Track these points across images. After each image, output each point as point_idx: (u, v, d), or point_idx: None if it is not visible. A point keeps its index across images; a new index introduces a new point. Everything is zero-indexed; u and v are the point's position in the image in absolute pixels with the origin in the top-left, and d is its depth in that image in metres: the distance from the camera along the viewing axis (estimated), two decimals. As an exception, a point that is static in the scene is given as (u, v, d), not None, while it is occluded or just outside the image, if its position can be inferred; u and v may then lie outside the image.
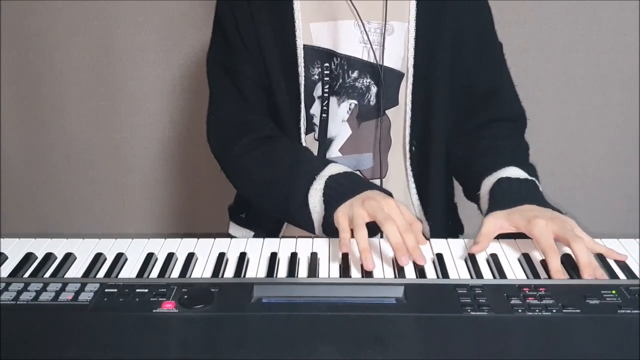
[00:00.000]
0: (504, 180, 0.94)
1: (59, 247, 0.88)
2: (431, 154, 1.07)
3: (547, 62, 1.63)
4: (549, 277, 0.79)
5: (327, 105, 1.06)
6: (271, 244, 0.89)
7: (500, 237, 0.88)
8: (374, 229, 0.84)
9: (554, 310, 0.67)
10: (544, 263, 0.82)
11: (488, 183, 0.96)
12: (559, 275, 0.78)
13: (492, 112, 1.09)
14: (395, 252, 0.81)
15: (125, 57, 1.66)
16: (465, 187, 1.09)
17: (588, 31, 1.60)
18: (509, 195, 0.91)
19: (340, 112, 1.06)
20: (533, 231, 0.83)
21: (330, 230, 0.90)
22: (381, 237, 0.88)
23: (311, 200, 0.93)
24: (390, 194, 0.92)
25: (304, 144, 1.07)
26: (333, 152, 1.08)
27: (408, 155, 1.08)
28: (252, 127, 1.05)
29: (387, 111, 1.07)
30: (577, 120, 1.69)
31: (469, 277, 0.80)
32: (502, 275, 0.80)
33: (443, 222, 1.13)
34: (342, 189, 0.91)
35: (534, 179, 0.96)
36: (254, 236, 1.16)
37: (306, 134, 1.07)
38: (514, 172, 0.96)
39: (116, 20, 1.63)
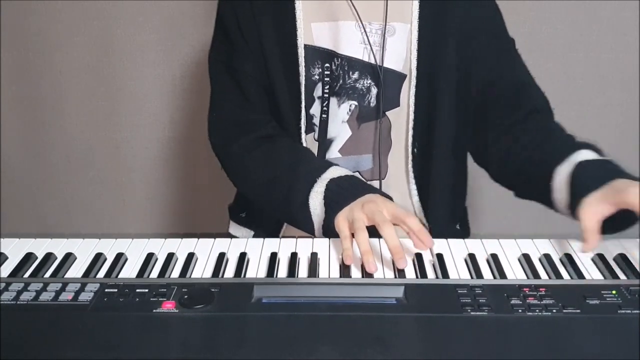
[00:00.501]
0: (584, 163, 0.89)
1: (59, 247, 0.88)
2: (434, 156, 1.06)
3: (547, 62, 1.63)
4: None
5: (327, 105, 1.05)
6: (271, 244, 0.89)
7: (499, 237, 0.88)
8: (374, 232, 0.84)
9: (554, 310, 0.67)
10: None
11: (564, 171, 0.91)
12: None
13: (526, 106, 1.05)
14: (392, 255, 0.81)
15: (125, 57, 1.66)
16: (526, 184, 1.01)
17: (588, 31, 1.61)
18: (594, 177, 0.86)
19: (341, 113, 1.06)
20: (629, 198, 0.78)
21: (330, 232, 0.90)
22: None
23: (312, 203, 0.93)
24: (390, 198, 0.92)
25: (303, 144, 1.07)
26: (333, 152, 1.08)
27: (410, 157, 1.08)
28: (254, 126, 1.05)
29: (387, 112, 1.07)
30: (577, 120, 1.68)
31: (469, 277, 0.80)
32: (502, 275, 0.80)
33: (447, 224, 1.12)
34: (343, 192, 0.91)
35: (609, 158, 0.91)
36: (255, 235, 1.16)
37: (306, 133, 1.07)
38: (587, 154, 0.91)
39: (116, 20, 1.63)
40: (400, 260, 0.80)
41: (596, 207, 0.82)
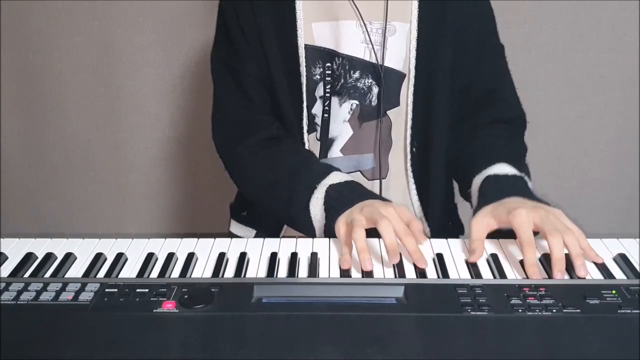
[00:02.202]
0: (492, 177, 0.95)
1: (59, 247, 0.88)
2: (432, 155, 1.07)
3: (547, 62, 1.63)
4: (525, 271, 0.79)
5: (329, 105, 1.06)
6: (271, 244, 0.89)
7: (499, 236, 0.88)
8: (373, 235, 0.85)
9: (554, 310, 0.67)
10: (543, 260, 0.82)
11: (477, 181, 0.97)
12: (534, 270, 0.78)
13: (491, 113, 1.09)
14: (387, 251, 0.81)
15: (125, 57, 1.66)
16: (460, 186, 1.09)
17: (588, 31, 1.61)
18: (495, 191, 0.92)
19: (342, 112, 1.06)
20: (513, 222, 0.83)
21: (331, 236, 0.90)
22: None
23: (312, 209, 0.94)
24: (389, 202, 0.92)
25: (306, 144, 1.07)
26: (334, 152, 1.08)
27: (409, 156, 1.08)
28: (257, 127, 1.05)
29: (388, 112, 1.07)
30: (577, 120, 1.69)
31: (469, 277, 0.80)
32: (502, 275, 0.80)
33: (443, 222, 1.13)
34: (342, 198, 0.91)
35: (523, 175, 0.96)
36: (256, 234, 1.16)
37: (308, 133, 1.07)
38: (502, 168, 0.96)
39: (116, 20, 1.63)
40: (394, 257, 0.80)
41: (485, 220, 0.87)
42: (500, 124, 1.09)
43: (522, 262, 0.81)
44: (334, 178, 0.95)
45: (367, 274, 0.79)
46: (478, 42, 1.06)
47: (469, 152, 1.05)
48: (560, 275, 0.77)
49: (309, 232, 0.96)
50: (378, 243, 0.87)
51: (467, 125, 1.09)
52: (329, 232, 0.91)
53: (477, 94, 1.09)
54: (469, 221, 0.89)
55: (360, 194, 0.92)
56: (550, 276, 0.78)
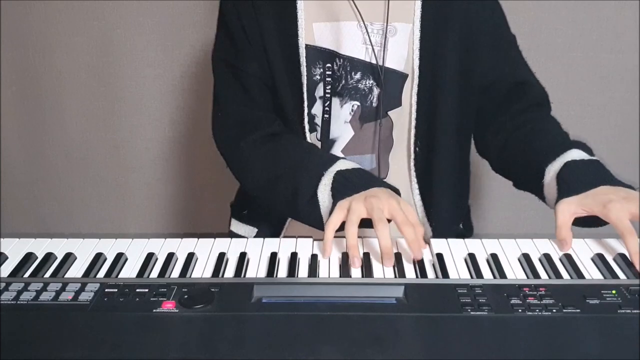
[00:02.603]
0: (571, 164, 0.92)
1: (59, 247, 0.88)
2: (436, 155, 1.07)
3: (547, 62, 1.63)
4: (630, 259, 0.80)
5: (330, 106, 1.06)
6: (271, 244, 0.89)
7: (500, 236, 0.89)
8: (370, 224, 0.85)
9: (554, 310, 0.67)
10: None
11: (553, 169, 0.94)
12: (637, 257, 0.79)
13: (526, 101, 1.08)
14: (382, 255, 0.81)
15: (125, 57, 1.66)
16: (521, 177, 1.05)
17: (588, 31, 1.61)
18: (579, 179, 0.89)
19: (343, 113, 1.06)
20: (610, 215, 0.82)
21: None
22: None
23: (320, 196, 0.92)
24: (397, 192, 0.92)
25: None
26: (335, 152, 1.08)
27: (412, 157, 1.08)
28: (259, 124, 1.05)
29: (389, 112, 1.07)
30: (577, 120, 1.69)
31: (469, 277, 0.80)
32: (502, 275, 0.80)
33: (450, 224, 1.12)
34: (349, 184, 0.91)
35: (597, 158, 0.94)
36: (257, 232, 1.16)
37: (310, 133, 1.07)
38: (577, 154, 0.94)
39: (116, 20, 1.63)
40: (388, 261, 0.81)
41: (571, 207, 0.86)
42: (535, 108, 1.08)
43: (621, 256, 0.82)
44: (342, 165, 0.95)
45: (367, 273, 0.79)
46: (493, 40, 1.06)
47: (524, 141, 1.02)
48: None
49: (316, 222, 0.94)
50: (378, 243, 0.87)
51: (503, 117, 1.07)
52: None
53: (506, 87, 1.08)
54: (555, 209, 0.88)
55: (368, 181, 0.92)
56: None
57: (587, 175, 0.90)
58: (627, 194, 0.85)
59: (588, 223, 0.88)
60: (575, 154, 0.93)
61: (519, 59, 1.11)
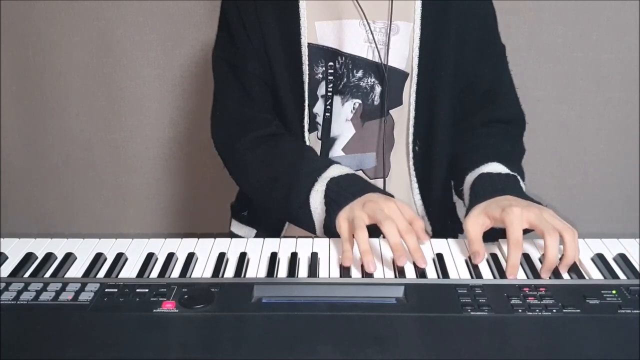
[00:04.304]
0: (485, 175, 0.95)
1: (59, 247, 0.88)
2: (434, 153, 1.07)
3: (547, 62, 1.63)
4: (504, 268, 0.79)
5: (331, 104, 1.06)
6: (271, 244, 0.89)
7: (495, 235, 0.88)
8: (374, 231, 0.84)
9: (554, 310, 0.67)
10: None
11: (470, 178, 0.98)
12: (513, 271, 0.78)
13: (489, 112, 1.09)
14: (393, 253, 0.81)
15: (125, 57, 1.66)
16: (454, 184, 1.09)
17: (588, 31, 1.60)
18: (487, 189, 0.91)
19: (344, 111, 1.06)
20: (506, 219, 0.82)
21: (331, 231, 0.90)
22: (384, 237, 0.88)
23: (312, 202, 0.93)
24: (391, 196, 0.92)
25: (307, 143, 1.07)
26: (336, 151, 1.08)
27: (411, 155, 1.08)
28: (257, 124, 1.05)
29: (391, 111, 1.07)
30: (577, 120, 1.69)
31: (469, 277, 0.80)
32: (502, 275, 0.80)
33: (444, 221, 1.13)
34: (343, 192, 0.91)
35: (515, 174, 0.96)
36: (256, 234, 1.16)
37: (309, 132, 1.07)
38: (495, 167, 0.96)
39: (116, 20, 1.63)
40: (401, 258, 0.80)
41: (478, 219, 0.87)
42: (498, 124, 1.09)
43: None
44: (334, 171, 0.95)
45: (367, 274, 0.79)
46: (479, 42, 1.06)
47: (464, 150, 1.05)
48: (546, 275, 0.78)
49: (309, 227, 0.95)
50: (379, 243, 0.87)
51: (464, 124, 1.09)
52: (329, 226, 0.90)
53: (478, 94, 1.09)
54: (463, 223, 0.89)
55: (361, 187, 0.92)
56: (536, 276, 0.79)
57: (497, 185, 0.92)
58: (529, 204, 0.86)
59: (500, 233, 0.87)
60: (493, 167, 0.96)
61: (501, 69, 1.11)
